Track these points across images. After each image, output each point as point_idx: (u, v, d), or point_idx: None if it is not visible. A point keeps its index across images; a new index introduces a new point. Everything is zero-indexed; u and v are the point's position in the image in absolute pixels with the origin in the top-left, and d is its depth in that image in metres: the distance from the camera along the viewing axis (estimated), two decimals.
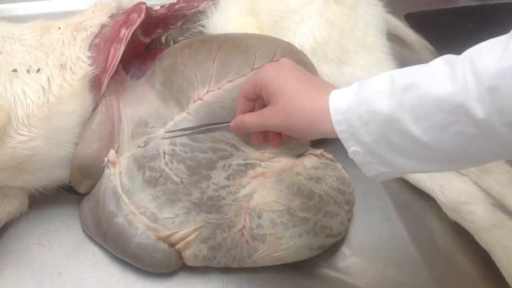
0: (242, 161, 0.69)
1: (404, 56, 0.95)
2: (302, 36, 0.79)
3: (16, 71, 0.66)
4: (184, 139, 0.68)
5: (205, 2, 0.86)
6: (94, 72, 0.69)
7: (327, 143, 0.73)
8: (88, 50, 0.71)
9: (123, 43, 0.71)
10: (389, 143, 0.44)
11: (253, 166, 0.69)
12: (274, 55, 0.70)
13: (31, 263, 0.66)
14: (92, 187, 0.69)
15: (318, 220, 0.65)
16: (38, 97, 0.65)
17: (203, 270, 0.65)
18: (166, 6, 0.85)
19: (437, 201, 0.70)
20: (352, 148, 0.47)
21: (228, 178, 0.67)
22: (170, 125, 0.69)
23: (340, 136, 0.47)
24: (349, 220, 0.69)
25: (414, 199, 0.74)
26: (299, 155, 0.73)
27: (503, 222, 0.65)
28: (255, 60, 0.69)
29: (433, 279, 0.65)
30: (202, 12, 0.84)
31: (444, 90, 0.40)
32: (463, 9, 1.18)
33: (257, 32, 0.80)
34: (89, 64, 0.69)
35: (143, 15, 0.75)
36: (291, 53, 0.72)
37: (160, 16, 0.83)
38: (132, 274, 0.65)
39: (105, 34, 0.73)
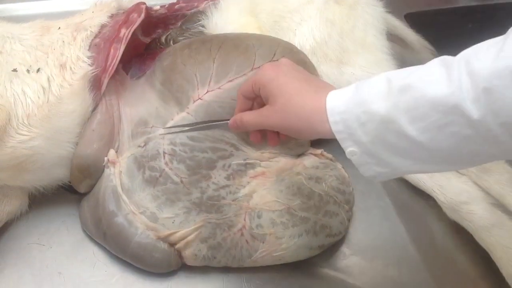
0: (242, 161, 0.69)
1: (404, 56, 0.95)
2: (302, 36, 0.79)
3: (16, 71, 0.66)
4: (184, 139, 0.68)
5: (205, 2, 0.86)
6: (94, 72, 0.69)
7: (327, 142, 0.73)
8: (88, 50, 0.71)
9: (123, 43, 0.71)
10: (386, 144, 0.44)
11: (253, 166, 0.69)
12: (274, 55, 0.70)
13: (31, 262, 0.66)
14: (92, 186, 0.69)
15: (318, 220, 0.65)
16: (38, 97, 0.65)
17: (203, 269, 0.65)
18: (166, 6, 0.85)
19: (437, 200, 0.71)
20: (349, 148, 0.47)
21: (228, 177, 0.67)
22: (170, 124, 0.69)
23: (338, 137, 0.47)
24: (348, 220, 0.69)
25: (414, 199, 0.75)
26: (299, 155, 0.73)
27: (502, 222, 0.65)
28: (255, 60, 0.69)
29: (432, 279, 0.65)
30: (202, 12, 0.84)
31: (440, 91, 0.40)
32: (463, 9, 1.18)
33: (257, 32, 0.80)
34: (89, 64, 0.69)
35: (143, 15, 0.75)
36: (291, 53, 0.72)
37: (160, 16, 0.83)
38: (132, 273, 0.65)
39: (105, 34, 0.73)
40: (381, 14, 0.88)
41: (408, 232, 0.71)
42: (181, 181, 0.66)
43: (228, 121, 0.57)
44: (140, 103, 0.71)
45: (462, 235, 0.68)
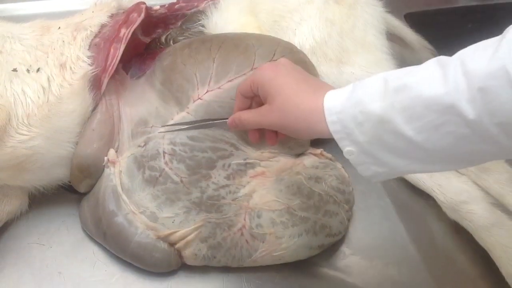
0: (242, 161, 0.69)
1: (404, 56, 0.95)
2: (302, 35, 0.79)
3: (16, 71, 0.66)
4: (184, 139, 0.68)
5: (205, 2, 0.86)
6: (94, 72, 0.69)
7: (327, 142, 0.73)
8: (88, 49, 0.71)
9: (123, 42, 0.71)
10: (383, 143, 0.45)
11: (252, 165, 0.69)
12: (274, 54, 0.70)
13: (31, 262, 0.66)
14: (92, 186, 0.69)
15: (318, 220, 0.65)
16: (38, 97, 0.65)
17: (203, 269, 0.65)
18: (166, 6, 0.85)
19: (437, 200, 0.71)
20: (347, 148, 0.47)
21: (228, 177, 0.67)
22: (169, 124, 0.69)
23: (335, 136, 0.47)
24: (348, 220, 0.69)
25: (414, 199, 0.75)
26: (299, 155, 0.73)
27: (502, 221, 0.65)
28: (254, 59, 0.69)
29: (432, 278, 0.65)
30: (202, 12, 0.84)
31: (436, 91, 0.40)
32: (463, 9, 1.18)
33: (257, 31, 0.80)
34: (89, 64, 0.69)
35: (143, 15, 0.75)
36: (290, 52, 0.72)
37: (160, 15, 0.83)
38: (132, 273, 0.65)
39: (105, 34, 0.73)
40: (380, 14, 0.88)
41: (408, 232, 0.71)
42: (181, 181, 0.66)
43: (226, 120, 0.58)
44: (140, 103, 0.71)
45: (462, 235, 0.68)
